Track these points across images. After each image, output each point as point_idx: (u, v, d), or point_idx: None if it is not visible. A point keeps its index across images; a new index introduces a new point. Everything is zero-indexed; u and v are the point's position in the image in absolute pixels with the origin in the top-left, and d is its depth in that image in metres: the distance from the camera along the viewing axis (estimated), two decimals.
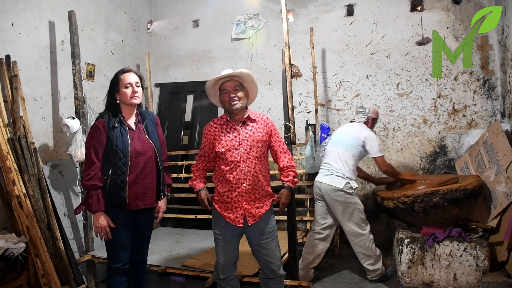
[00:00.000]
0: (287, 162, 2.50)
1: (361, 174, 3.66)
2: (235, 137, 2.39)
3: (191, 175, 2.55)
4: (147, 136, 2.42)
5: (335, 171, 3.23)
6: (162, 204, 2.57)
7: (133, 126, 2.41)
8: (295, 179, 2.52)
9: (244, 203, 2.37)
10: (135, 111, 2.47)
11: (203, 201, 2.47)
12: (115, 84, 2.37)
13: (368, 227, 3.28)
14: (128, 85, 2.35)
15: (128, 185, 2.29)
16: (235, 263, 2.52)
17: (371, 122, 3.46)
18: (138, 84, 2.39)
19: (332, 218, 3.35)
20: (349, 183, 3.19)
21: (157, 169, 2.44)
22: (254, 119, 2.46)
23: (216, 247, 2.48)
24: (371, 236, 3.28)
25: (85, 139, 3.23)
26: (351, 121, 3.59)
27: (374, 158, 3.29)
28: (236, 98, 2.37)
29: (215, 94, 2.51)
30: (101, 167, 2.29)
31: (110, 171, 2.28)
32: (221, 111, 4.69)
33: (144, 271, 2.62)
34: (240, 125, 2.43)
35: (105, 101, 2.44)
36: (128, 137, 2.33)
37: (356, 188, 3.23)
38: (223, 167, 2.39)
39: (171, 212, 4.62)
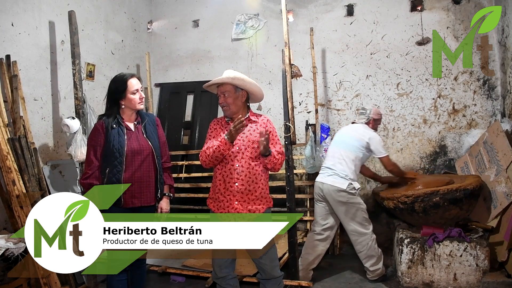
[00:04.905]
0: (277, 154, 2.39)
1: (368, 173, 3.68)
2: None
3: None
4: (145, 136, 2.44)
5: (338, 172, 3.23)
6: (163, 204, 2.57)
7: (132, 127, 2.43)
8: (275, 162, 2.35)
9: (236, 203, 2.35)
10: (135, 114, 2.48)
11: (236, 126, 2.22)
12: (123, 90, 2.37)
13: (371, 227, 3.28)
14: (136, 91, 2.39)
15: (123, 183, 2.31)
16: (233, 262, 2.51)
17: (372, 123, 3.48)
18: (142, 89, 2.45)
19: (333, 219, 3.35)
20: (351, 184, 3.20)
21: (154, 168, 2.45)
22: (255, 121, 2.45)
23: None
24: (374, 236, 3.28)
25: (85, 139, 3.27)
26: (352, 123, 3.59)
27: (380, 158, 3.33)
28: (224, 104, 2.39)
29: (217, 92, 2.53)
30: (99, 166, 2.34)
31: (107, 170, 2.32)
32: (221, 112, 4.69)
33: (143, 270, 2.62)
34: None
35: (107, 106, 2.44)
36: (125, 137, 2.36)
37: (358, 188, 3.25)
38: (219, 164, 2.40)
39: (171, 212, 4.59)
